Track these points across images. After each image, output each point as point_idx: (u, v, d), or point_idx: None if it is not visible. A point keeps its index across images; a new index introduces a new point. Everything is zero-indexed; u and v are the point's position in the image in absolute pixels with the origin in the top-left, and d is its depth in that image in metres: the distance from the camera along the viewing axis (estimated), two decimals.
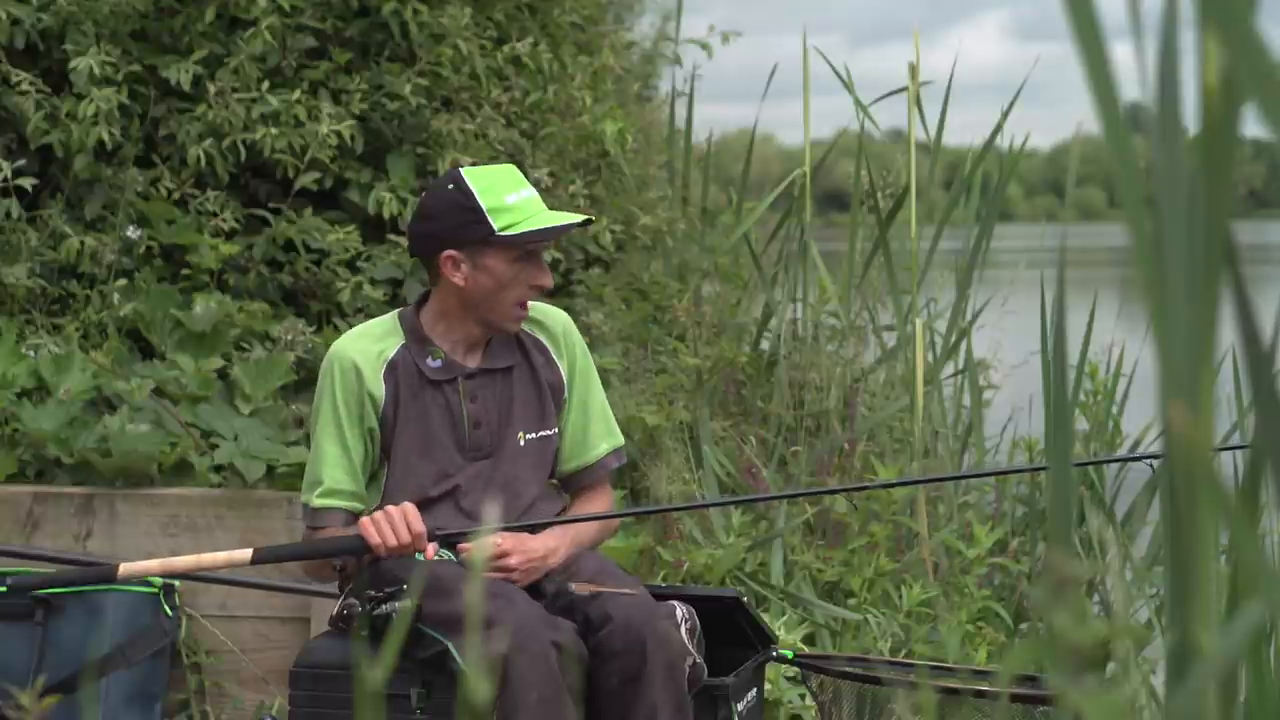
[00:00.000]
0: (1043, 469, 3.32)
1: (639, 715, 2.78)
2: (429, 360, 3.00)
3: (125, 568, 2.88)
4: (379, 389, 2.97)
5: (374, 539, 2.80)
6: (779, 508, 4.99)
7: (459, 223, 2.92)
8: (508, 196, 2.92)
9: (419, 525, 2.81)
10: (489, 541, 2.90)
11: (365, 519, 2.83)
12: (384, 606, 2.83)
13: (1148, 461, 3.06)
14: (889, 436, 5.62)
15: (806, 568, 4.77)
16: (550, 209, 3.01)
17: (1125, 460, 3.25)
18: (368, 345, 3.01)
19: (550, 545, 2.96)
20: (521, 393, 3.05)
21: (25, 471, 4.23)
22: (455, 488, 2.96)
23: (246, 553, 2.88)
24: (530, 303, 3.12)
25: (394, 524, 2.80)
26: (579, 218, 3.01)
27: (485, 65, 5.17)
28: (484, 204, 2.91)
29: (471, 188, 2.93)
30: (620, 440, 3.16)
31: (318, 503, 2.97)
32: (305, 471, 3.05)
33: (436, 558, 2.91)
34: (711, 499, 5.03)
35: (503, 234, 2.90)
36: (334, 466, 2.96)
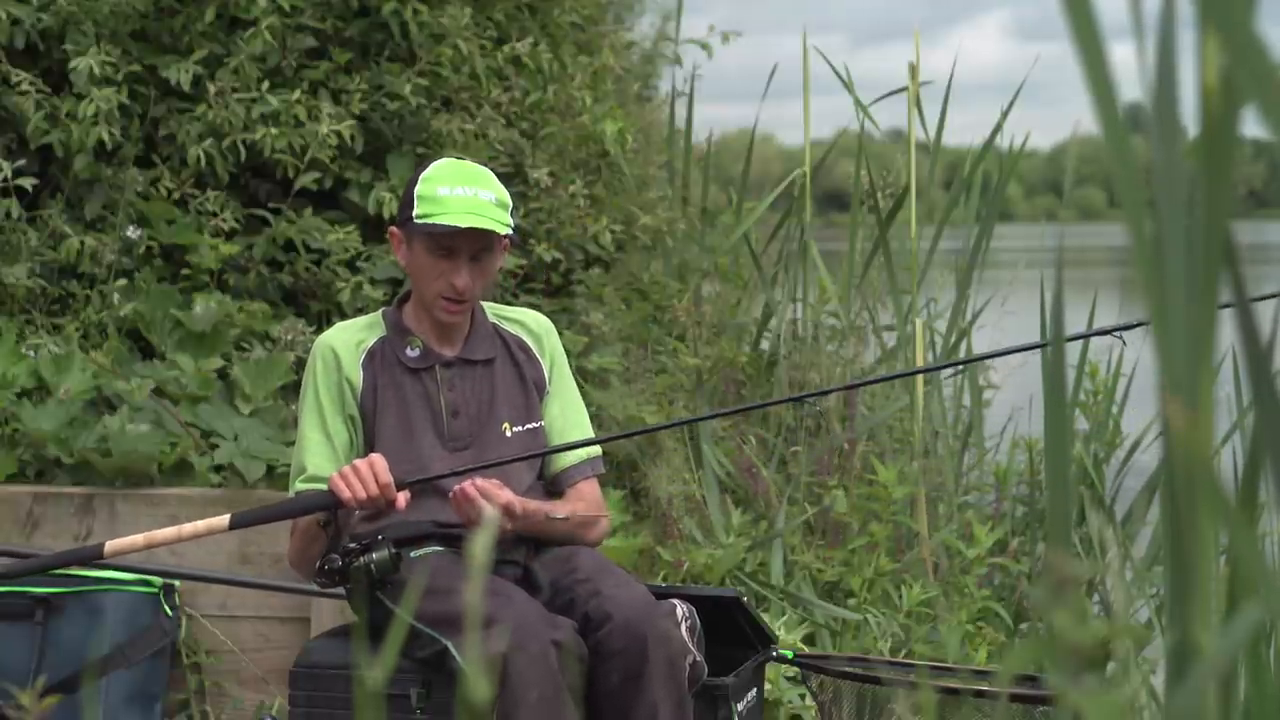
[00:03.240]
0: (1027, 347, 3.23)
1: (640, 713, 2.78)
2: (408, 350, 3.04)
3: (111, 545, 2.89)
4: (356, 376, 3.01)
5: (344, 493, 2.80)
6: (779, 508, 4.98)
7: (402, 202, 3.02)
8: (441, 188, 2.94)
9: (386, 475, 2.81)
10: (493, 518, 2.89)
11: (334, 474, 2.84)
12: (362, 559, 2.83)
13: (1117, 335, 3.06)
14: (889, 436, 5.62)
15: (806, 568, 4.77)
16: (487, 218, 2.92)
17: (1106, 332, 3.23)
18: (349, 335, 3.06)
19: (514, 501, 2.90)
20: (504, 386, 3.08)
21: (25, 471, 4.23)
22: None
23: (224, 519, 2.89)
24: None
25: (361, 476, 2.80)
26: (486, 225, 2.91)
27: (485, 65, 5.18)
28: (419, 190, 2.96)
29: (424, 173, 3.00)
30: (596, 451, 3.18)
31: (299, 486, 2.99)
32: (292, 459, 3.07)
33: (429, 550, 2.92)
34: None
35: (416, 221, 2.94)
36: (317, 454, 2.99)
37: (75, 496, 4.08)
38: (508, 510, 2.86)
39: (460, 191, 2.94)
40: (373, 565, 2.82)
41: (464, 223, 2.90)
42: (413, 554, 2.92)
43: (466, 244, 2.95)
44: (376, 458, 2.84)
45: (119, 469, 4.10)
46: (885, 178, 6.11)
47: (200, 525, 2.88)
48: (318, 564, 2.90)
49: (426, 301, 3.01)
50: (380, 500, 2.82)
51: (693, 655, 2.85)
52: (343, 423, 3.01)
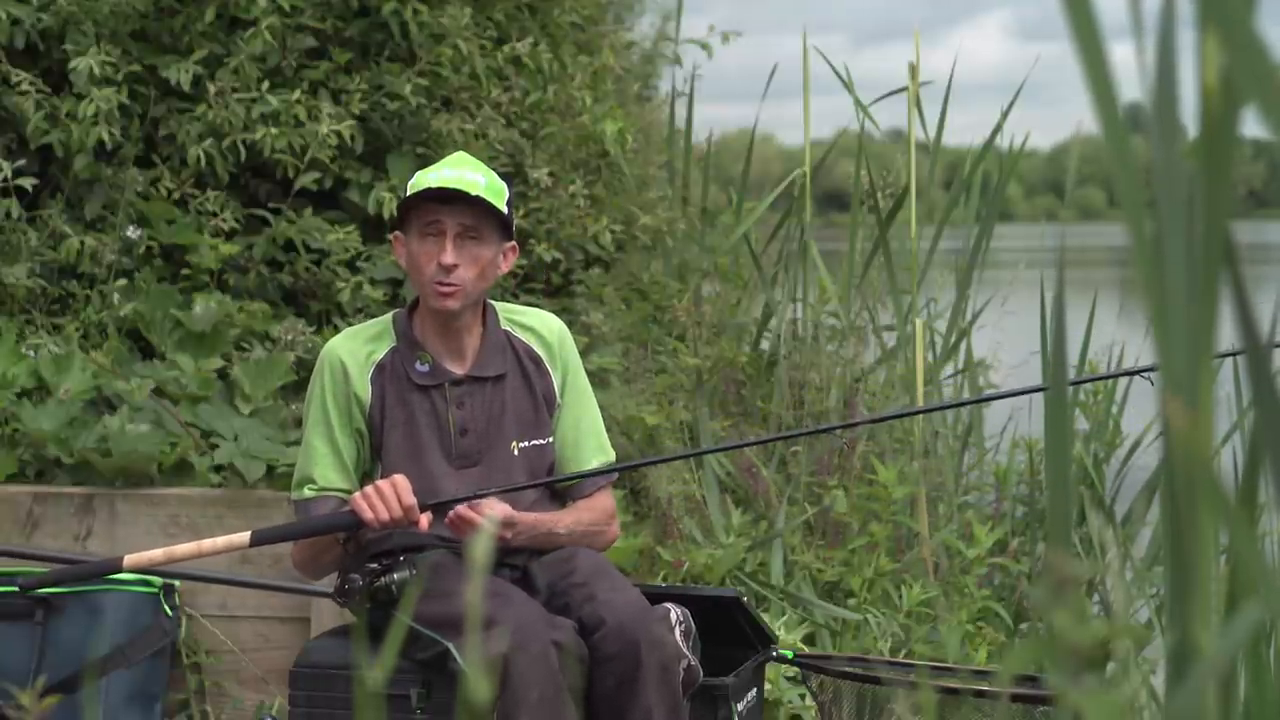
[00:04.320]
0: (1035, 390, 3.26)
1: (633, 717, 2.78)
2: (417, 365, 3.00)
3: (130, 559, 2.89)
4: (365, 391, 2.98)
5: (367, 514, 2.79)
6: (779, 508, 4.98)
7: (400, 205, 3.01)
8: (431, 174, 2.95)
9: (409, 497, 2.80)
10: (490, 533, 2.89)
11: (357, 494, 2.83)
12: (383, 579, 2.83)
13: (1145, 375, 3.01)
14: (889, 436, 5.62)
15: (806, 568, 4.77)
16: (463, 184, 2.92)
17: (1124, 375, 3.23)
18: (358, 346, 3.02)
19: (512, 516, 2.90)
20: (514, 402, 3.03)
21: (25, 471, 4.22)
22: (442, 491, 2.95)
23: (245, 535, 2.89)
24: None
25: (385, 498, 2.79)
26: (455, 184, 2.91)
27: (485, 65, 5.17)
28: (412, 180, 2.98)
29: (420, 172, 3.01)
30: (611, 456, 3.15)
31: (307, 494, 2.98)
32: (296, 468, 3.05)
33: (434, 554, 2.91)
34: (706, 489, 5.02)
35: (402, 209, 2.95)
36: (324, 465, 2.97)
37: (75, 496, 4.08)
38: (506, 522, 2.86)
39: (444, 172, 2.95)
40: (394, 585, 2.82)
41: (434, 184, 2.90)
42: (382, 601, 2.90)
43: (449, 216, 2.92)
44: (400, 479, 2.82)
45: (119, 469, 4.10)
46: (885, 178, 6.11)
47: (220, 542, 2.88)
48: (338, 584, 2.90)
49: (423, 294, 2.98)
50: (404, 522, 2.81)
51: (687, 659, 2.84)
52: (350, 436, 2.99)
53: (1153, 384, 2.98)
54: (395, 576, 2.82)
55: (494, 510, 2.85)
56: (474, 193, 2.91)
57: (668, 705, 2.79)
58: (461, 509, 2.83)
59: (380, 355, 3.01)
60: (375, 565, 2.84)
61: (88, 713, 3.70)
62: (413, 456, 2.96)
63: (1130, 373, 3.16)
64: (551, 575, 2.95)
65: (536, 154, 5.28)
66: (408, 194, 2.97)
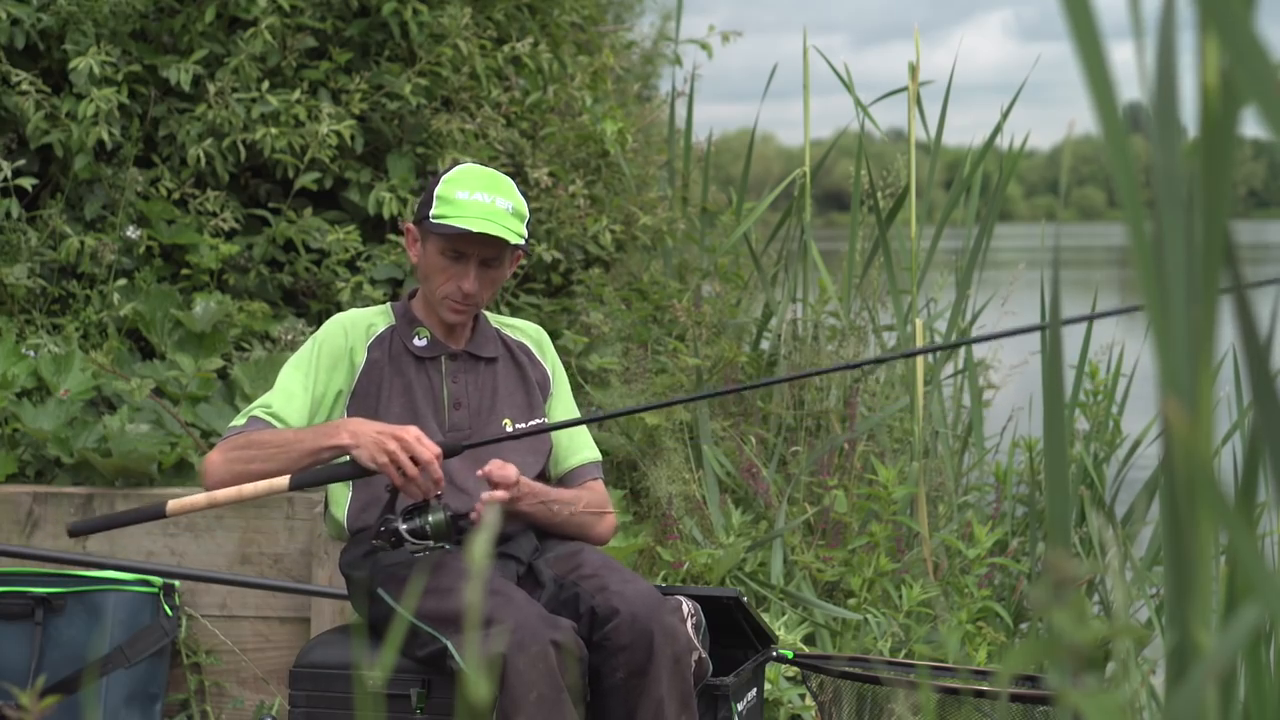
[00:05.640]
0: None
1: (645, 708, 2.78)
2: (415, 339, 3.08)
3: (174, 504, 2.90)
4: (361, 353, 3.05)
5: (380, 458, 2.78)
6: (779, 508, 4.98)
7: (421, 200, 3.05)
8: (460, 192, 2.98)
9: (429, 454, 2.79)
10: (494, 518, 2.89)
11: (377, 451, 2.79)
12: (418, 519, 2.82)
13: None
14: (889, 436, 5.62)
15: (806, 568, 4.77)
16: (499, 224, 2.94)
17: (1115, 313, 3.30)
18: (361, 317, 3.11)
19: (516, 475, 2.95)
20: (506, 383, 3.12)
21: (25, 471, 4.23)
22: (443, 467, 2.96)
23: (284, 480, 2.88)
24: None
25: (405, 444, 2.78)
26: (498, 232, 2.94)
27: (485, 65, 5.18)
28: (439, 190, 3.00)
29: (446, 175, 3.04)
30: (598, 456, 3.22)
31: (255, 414, 2.96)
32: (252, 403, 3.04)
33: (432, 549, 2.91)
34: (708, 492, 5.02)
35: (431, 220, 2.97)
36: (285, 402, 2.98)
37: (75, 496, 4.08)
38: (511, 485, 2.88)
39: (478, 197, 2.98)
40: (429, 526, 2.82)
41: (476, 227, 2.94)
42: (414, 554, 2.91)
43: (478, 249, 2.98)
44: (414, 429, 2.82)
45: (119, 469, 4.10)
46: (885, 178, 6.11)
47: (261, 486, 2.89)
48: (376, 528, 2.88)
49: (434, 300, 3.05)
50: (426, 471, 2.80)
51: (698, 652, 2.86)
52: (325, 390, 3.02)
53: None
54: (430, 519, 2.83)
55: (504, 471, 2.89)
56: (501, 233, 2.95)
57: (680, 696, 2.80)
58: (495, 467, 2.87)
59: (380, 329, 3.09)
60: (411, 505, 2.84)
61: (88, 713, 3.70)
62: (410, 424, 2.99)
63: (1123, 310, 3.17)
64: (558, 570, 2.96)
65: (536, 154, 5.28)
66: (436, 209, 2.97)
